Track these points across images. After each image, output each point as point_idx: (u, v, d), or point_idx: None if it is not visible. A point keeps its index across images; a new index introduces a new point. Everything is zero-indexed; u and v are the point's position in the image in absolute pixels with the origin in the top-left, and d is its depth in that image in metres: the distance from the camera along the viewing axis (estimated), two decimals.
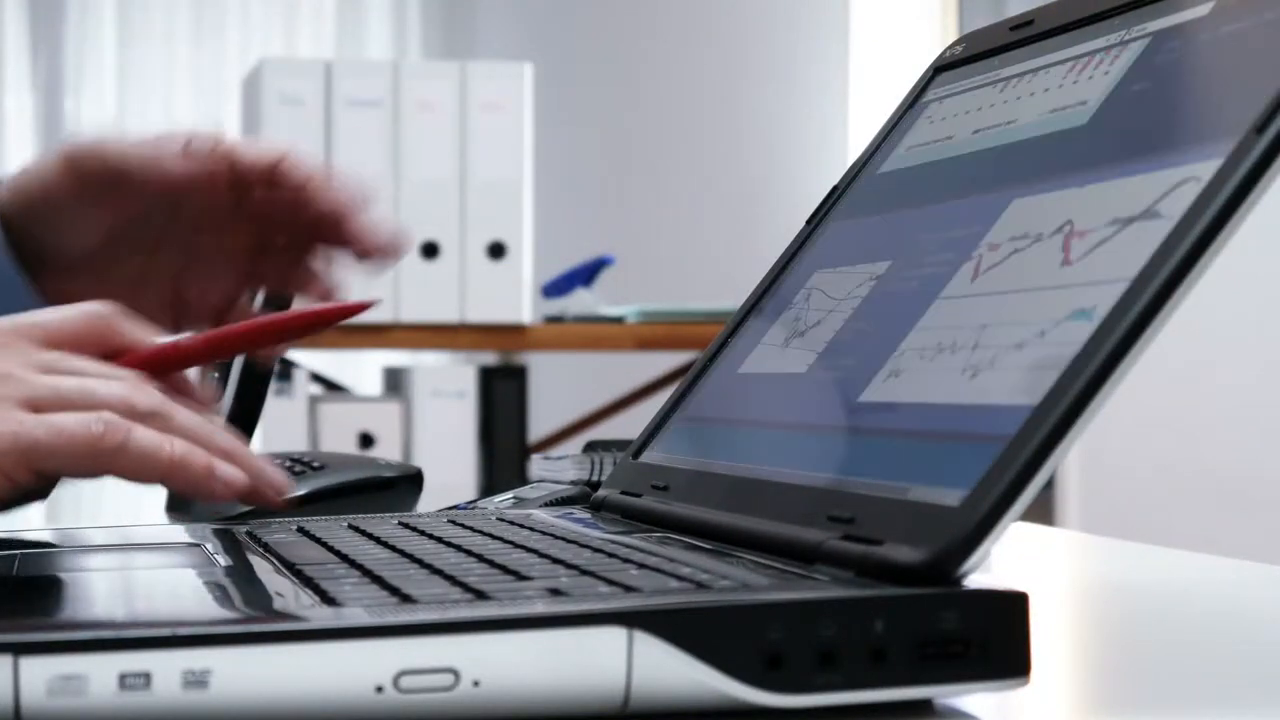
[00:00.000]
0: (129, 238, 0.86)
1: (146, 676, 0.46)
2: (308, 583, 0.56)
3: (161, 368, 0.69)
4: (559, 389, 3.61)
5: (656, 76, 4.04)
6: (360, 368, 4.04)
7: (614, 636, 0.47)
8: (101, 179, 0.83)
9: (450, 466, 2.59)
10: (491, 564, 0.58)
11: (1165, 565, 0.88)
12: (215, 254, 0.86)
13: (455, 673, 0.47)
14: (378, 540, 0.66)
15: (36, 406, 0.62)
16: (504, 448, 2.71)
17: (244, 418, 0.89)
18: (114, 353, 0.69)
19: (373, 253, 0.84)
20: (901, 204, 0.73)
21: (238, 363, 0.89)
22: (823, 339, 0.69)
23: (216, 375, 0.88)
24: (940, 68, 0.78)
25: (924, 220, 0.68)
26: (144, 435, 0.62)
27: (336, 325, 0.74)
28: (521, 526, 0.71)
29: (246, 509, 0.96)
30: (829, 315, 0.70)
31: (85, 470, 0.62)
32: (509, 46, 4.60)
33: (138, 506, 1.17)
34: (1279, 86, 0.51)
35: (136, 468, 0.62)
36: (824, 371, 0.67)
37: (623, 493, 0.75)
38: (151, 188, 0.84)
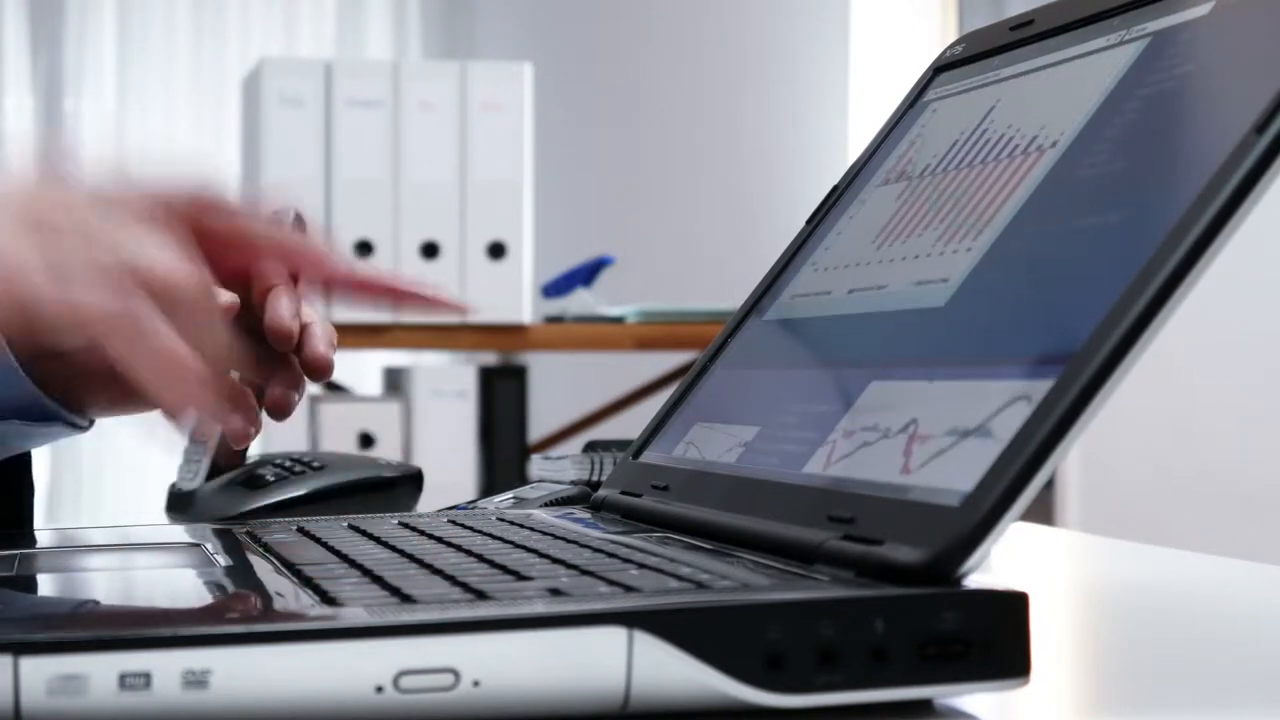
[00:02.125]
0: None
1: (146, 676, 0.46)
2: (308, 583, 0.56)
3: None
4: (559, 389, 3.61)
5: (656, 76, 4.04)
6: (360, 368, 4.04)
7: (614, 636, 0.47)
8: None
9: (450, 466, 2.58)
10: (491, 564, 0.58)
11: (1165, 565, 0.88)
12: None
13: (455, 673, 0.47)
14: (378, 540, 0.66)
15: (59, 264, 0.55)
16: (504, 448, 2.71)
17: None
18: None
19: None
20: (778, 363, 0.74)
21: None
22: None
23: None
24: (940, 68, 0.78)
25: (794, 385, 0.69)
26: (162, 329, 0.56)
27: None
28: (521, 526, 0.71)
29: (247, 509, 0.95)
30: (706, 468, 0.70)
31: (84, 339, 0.55)
32: (509, 46, 4.59)
33: (138, 506, 1.17)
34: (1279, 87, 0.51)
35: (134, 352, 0.55)
36: None
37: (623, 493, 0.75)
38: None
